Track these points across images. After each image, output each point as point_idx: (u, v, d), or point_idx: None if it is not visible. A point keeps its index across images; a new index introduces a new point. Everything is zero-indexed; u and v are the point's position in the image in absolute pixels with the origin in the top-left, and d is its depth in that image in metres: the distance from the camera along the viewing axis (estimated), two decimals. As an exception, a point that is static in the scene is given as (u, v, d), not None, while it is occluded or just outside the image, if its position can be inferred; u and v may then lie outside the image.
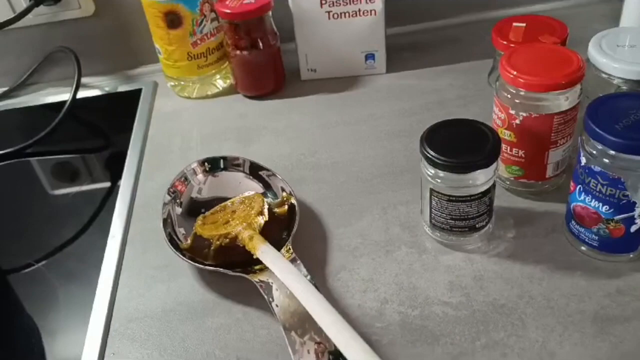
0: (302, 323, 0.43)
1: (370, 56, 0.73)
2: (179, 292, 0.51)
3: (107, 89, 0.80)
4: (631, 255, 0.48)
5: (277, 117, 0.71)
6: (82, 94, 0.77)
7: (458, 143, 0.48)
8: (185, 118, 0.73)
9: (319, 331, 0.42)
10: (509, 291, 0.47)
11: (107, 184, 0.66)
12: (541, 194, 0.55)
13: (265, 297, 0.45)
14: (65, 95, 0.75)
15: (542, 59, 0.50)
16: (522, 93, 0.49)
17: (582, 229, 0.48)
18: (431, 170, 0.48)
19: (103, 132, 0.77)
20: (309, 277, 0.46)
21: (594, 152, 0.44)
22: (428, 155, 0.47)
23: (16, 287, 0.56)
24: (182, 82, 0.74)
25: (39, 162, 0.72)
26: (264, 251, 0.47)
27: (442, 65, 0.75)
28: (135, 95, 0.77)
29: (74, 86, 0.72)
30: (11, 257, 0.59)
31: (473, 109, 0.66)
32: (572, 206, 0.48)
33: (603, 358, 0.42)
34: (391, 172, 0.60)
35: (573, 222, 0.49)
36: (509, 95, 0.50)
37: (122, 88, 0.79)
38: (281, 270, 0.44)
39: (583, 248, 0.49)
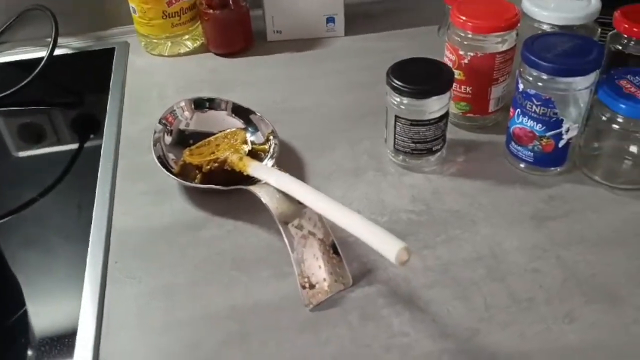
0: (299, 219, 0.48)
1: (330, 19, 0.81)
2: (172, 213, 0.56)
3: (79, 48, 0.83)
4: (558, 169, 0.58)
5: (247, 71, 0.77)
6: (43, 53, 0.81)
7: (419, 76, 0.56)
8: (160, 72, 0.77)
9: (315, 224, 0.48)
10: (462, 201, 0.56)
11: (88, 136, 0.70)
12: (484, 128, 0.64)
13: (262, 200, 0.51)
14: (36, 54, 0.78)
15: (486, 8, 0.59)
16: (469, 35, 0.58)
17: (520, 148, 0.57)
18: (396, 98, 0.56)
19: (79, 88, 0.80)
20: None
21: (530, 78, 0.53)
22: (394, 84, 0.55)
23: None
24: (155, 40, 0.79)
25: (10, 117, 0.75)
26: (255, 167, 0.53)
27: (396, 29, 0.83)
28: (108, 53, 0.80)
29: (52, 43, 0.75)
30: None
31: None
32: (511, 129, 0.57)
33: (540, 244, 0.51)
34: (355, 115, 0.68)
35: (512, 143, 0.58)
36: (458, 38, 0.59)
37: (93, 47, 0.83)
38: (277, 177, 0.50)
39: (522, 165, 0.58)
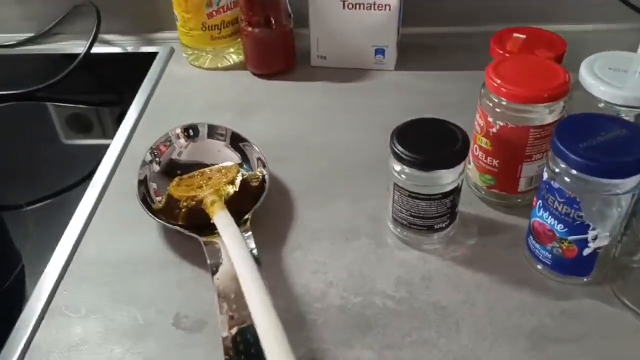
0: (237, 295, 0.44)
1: (380, 51, 0.74)
2: (141, 245, 0.53)
3: (128, 48, 0.83)
4: (585, 280, 0.47)
5: (281, 96, 0.72)
6: (101, 49, 0.81)
7: (426, 141, 0.48)
8: (193, 85, 0.75)
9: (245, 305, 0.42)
10: (453, 295, 0.47)
11: (106, 138, 0.69)
12: (512, 208, 0.54)
13: (208, 260, 0.47)
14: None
15: (529, 71, 0.50)
16: (503, 103, 0.49)
17: (538, 246, 0.48)
18: (397, 166, 0.48)
19: (112, 88, 0.80)
20: (255, 250, 0.47)
21: (557, 169, 0.43)
22: (395, 149, 0.47)
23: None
24: (196, 52, 0.76)
25: (46, 107, 0.75)
26: (219, 216, 0.48)
27: (451, 70, 0.74)
28: (150, 57, 0.79)
29: (91, 39, 0.75)
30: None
31: (471, 115, 0.65)
32: (532, 221, 0.48)
33: (528, 374, 0.42)
34: (375, 164, 0.60)
35: (531, 237, 0.48)
36: (490, 104, 0.50)
37: (140, 49, 0.82)
38: (227, 236, 0.45)
39: (539, 266, 0.48)
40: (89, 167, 0.62)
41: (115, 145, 0.64)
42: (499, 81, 0.49)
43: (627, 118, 0.49)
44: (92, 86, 0.80)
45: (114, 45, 0.83)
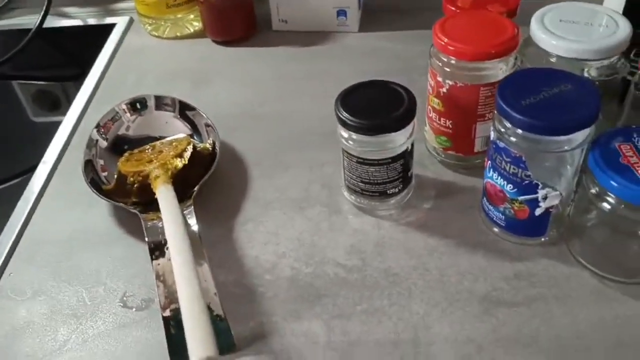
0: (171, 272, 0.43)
1: (342, 12, 0.71)
2: (90, 222, 0.52)
3: (89, 20, 0.80)
4: (542, 240, 0.46)
5: (239, 64, 0.70)
6: (61, 22, 0.78)
7: (372, 105, 0.46)
8: (150, 56, 0.72)
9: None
10: (405, 261, 0.46)
11: (56, 113, 0.68)
12: (471, 169, 0.53)
13: (146, 238, 0.46)
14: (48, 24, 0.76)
15: (477, 27, 0.48)
16: (452, 62, 0.47)
17: (491, 207, 0.46)
18: (344, 133, 0.47)
19: (73, 62, 0.78)
20: (195, 227, 0.46)
21: (502, 129, 0.42)
22: (340, 115, 0.46)
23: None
24: (155, 21, 0.74)
25: (10, 84, 0.74)
26: (160, 191, 0.47)
27: (418, 29, 0.72)
28: (108, 29, 0.77)
29: (43, 12, 0.72)
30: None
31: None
32: (484, 182, 0.47)
33: (477, 339, 0.41)
34: (331, 132, 0.58)
35: (485, 199, 0.47)
36: (440, 63, 0.48)
37: (98, 21, 0.79)
38: (164, 212, 0.44)
39: (495, 229, 0.47)
40: (42, 144, 0.61)
41: (68, 121, 0.62)
42: (445, 39, 0.47)
43: (587, 72, 0.47)
44: (55, 60, 0.79)
45: (74, 17, 0.81)
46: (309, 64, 0.69)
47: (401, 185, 0.49)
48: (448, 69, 0.47)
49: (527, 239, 0.46)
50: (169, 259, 0.43)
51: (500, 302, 0.43)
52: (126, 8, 0.82)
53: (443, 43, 0.47)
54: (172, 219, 0.43)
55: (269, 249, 0.48)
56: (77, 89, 0.73)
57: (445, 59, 0.47)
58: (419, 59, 0.67)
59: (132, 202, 0.51)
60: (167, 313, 0.41)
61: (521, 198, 0.43)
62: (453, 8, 0.54)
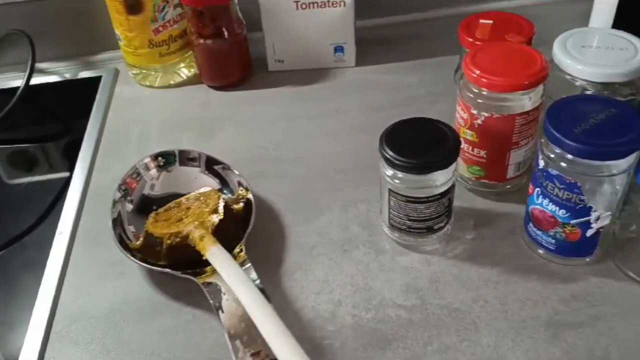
0: (249, 330, 0.41)
1: (339, 48, 0.72)
2: (127, 292, 0.49)
3: (66, 75, 0.77)
4: (587, 260, 0.47)
5: (241, 108, 0.69)
6: (39, 79, 0.75)
7: (417, 143, 0.46)
8: (146, 106, 0.70)
9: (264, 340, 0.40)
10: (464, 294, 0.47)
11: (62, 174, 0.64)
12: (502, 195, 0.54)
13: (211, 301, 0.44)
14: (20, 81, 0.72)
15: (506, 58, 0.49)
16: (484, 93, 0.48)
17: (539, 232, 0.47)
18: (389, 171, 0.47)
19: (60, 119, 0.75)
20: (258, 281, 0.45)
21: (552, 155, 0.43)
22: (387, 155, 0.46)
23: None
24: (144, 71, 0.72)
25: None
26: (213, 253, 0.45)
27: (412, 60, 0.73)
28: (94, 82, 0.74)
29: (28, 71, 0.69)
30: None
31: (441, 107, 0.64)
32: (530, 209, 0.48)
33: (554, 365, 0.42)
34: (355, 168, 0.59)
35: (531, 224, 0.48)
36: (471, 95, 0.49)
37: (81, 74, 0.76)
38: (228, 275, 0.42)
39: (540, 251, 0.48)
40: (41, 208, 0.57)
41: (76, 183, 0.59)
42: (477, 71, 0.48)
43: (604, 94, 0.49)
44: (35, 120, 0.74)
45: (51, 73, 0.77)
46: (313, 102, 0.69)
47: (446, 220, 0.49)
48: (480, 101, 0.49)
49: (574, 259, 0.48)
50: (239, 319, 0.41)
51: (565, 325, 0.44)
52: (106, 59, 0.79)
53: (475, 75, 0.48)
54: (240, 280, 0.42)
55: (324, 298, 0.47)
56: (57, 148, 0.70)
57: (476, 91, 0.49)
58: (419, 88, 0.69)
59: (165, 266, 0.48)
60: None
61: (574, 222, 0.44)
62: (471, 39, 0.56)
